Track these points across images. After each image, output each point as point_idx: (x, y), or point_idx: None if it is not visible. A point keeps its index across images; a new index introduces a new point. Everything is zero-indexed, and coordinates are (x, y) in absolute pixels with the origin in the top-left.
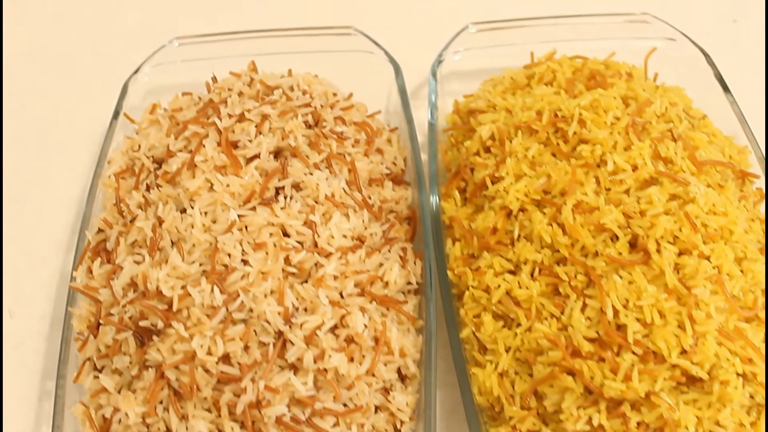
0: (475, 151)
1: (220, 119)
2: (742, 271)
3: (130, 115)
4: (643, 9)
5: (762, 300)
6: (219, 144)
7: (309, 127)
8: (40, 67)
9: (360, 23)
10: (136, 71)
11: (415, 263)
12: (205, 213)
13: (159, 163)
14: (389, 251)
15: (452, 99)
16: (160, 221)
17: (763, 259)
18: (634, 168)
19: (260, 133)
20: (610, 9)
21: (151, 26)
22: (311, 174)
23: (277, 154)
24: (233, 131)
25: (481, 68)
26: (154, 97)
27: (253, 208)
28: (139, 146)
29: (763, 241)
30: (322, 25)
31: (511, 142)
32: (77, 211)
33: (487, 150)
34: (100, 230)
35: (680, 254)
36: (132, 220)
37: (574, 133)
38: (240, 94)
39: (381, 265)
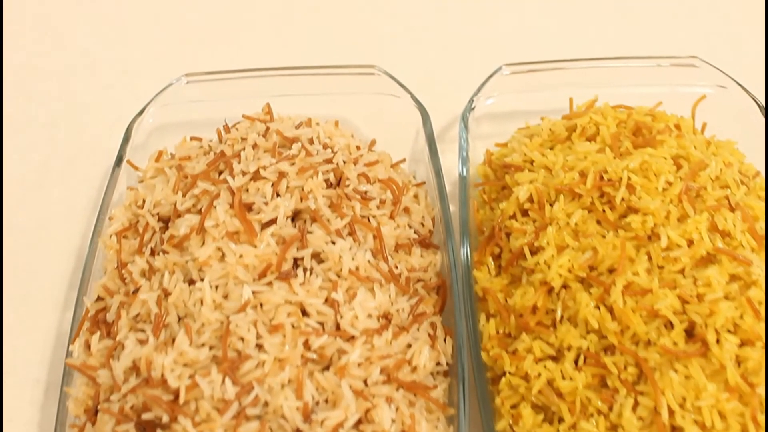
0: (512, 214)
1: (233, 177)
2: None
3: (135, 156)
4: (690, 51)
5: None
6: (231, 206)
7: (330, 185)
8: (38, 106)
9: (384, 61)
10: (141, 112)
11: (445, 341)
12: (216, 287)
13: (165, 221)
14: (418, 330)
15: (482, 144)
16: (166, 293)
17: None
18: (690, 243)
19: (277, 194)
20: (654, 50)
21: (158, 61)
22: (333, 243)
23: (295, 216)
24: (247, 190)
25: (515, 111)
26: (160, 139)
27: (269, 284)
28: (144, 201)
29: None
30: (342, 63)
31: (551, 206)
32: (76, 263)
33: (525, 213)
34: (99, 298)
35: (742, 345)
36: (135, 291)
37: (622, 199)
38: (254, 146)
39: (409, 346)
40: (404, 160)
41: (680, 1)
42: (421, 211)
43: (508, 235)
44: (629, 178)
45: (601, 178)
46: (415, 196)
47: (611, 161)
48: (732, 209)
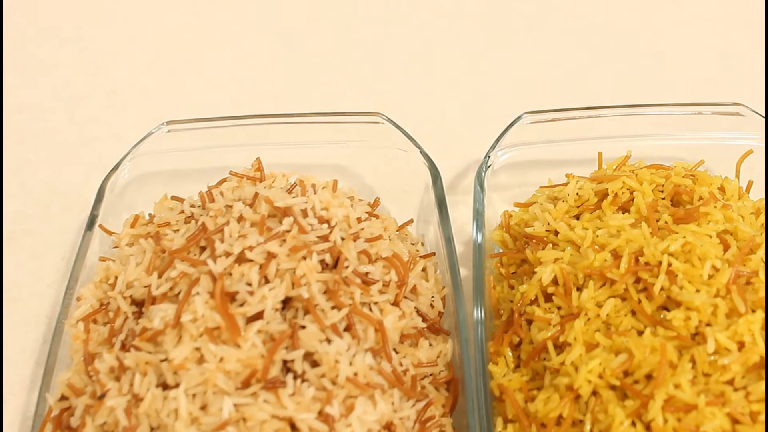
0: (533, 298)
1: (215, 259)
2: None
3: (112, 211)
4: (734, 96)
5: None
6: (212, 295)
7: (326, 267)
8: (7, 159)
9: (391, 106)
10: (116, 167)
11: None
12: (194, 395)
13: (139, 304)
14: None
15: (499, 197)
16: (137, 399)
17: None
18: (740, 346)
19: (265, 279)
20: (694, 97)
21: (137, 106)
22: (329, 341)
23: (285, 303)
24: (230, 274)
25: (537, 160)
26: (137, 197)
27: (254, 394)
28: (116, 278)
29: None
30: (343, 110)
31: (579, 291)
32: (45, 335)
33: (549, 297)
34: (63, 397)
35: None
36: (102, 397)
37: (662, 288)
38: (240, 219)
39: None
40: (411, 221)
41: (722, 41)
42: (430, 289)
43: (529, 322)
44: (670, 264)
45: (637, 260)
46: (424, 270)
47: (649, 240)
48: None
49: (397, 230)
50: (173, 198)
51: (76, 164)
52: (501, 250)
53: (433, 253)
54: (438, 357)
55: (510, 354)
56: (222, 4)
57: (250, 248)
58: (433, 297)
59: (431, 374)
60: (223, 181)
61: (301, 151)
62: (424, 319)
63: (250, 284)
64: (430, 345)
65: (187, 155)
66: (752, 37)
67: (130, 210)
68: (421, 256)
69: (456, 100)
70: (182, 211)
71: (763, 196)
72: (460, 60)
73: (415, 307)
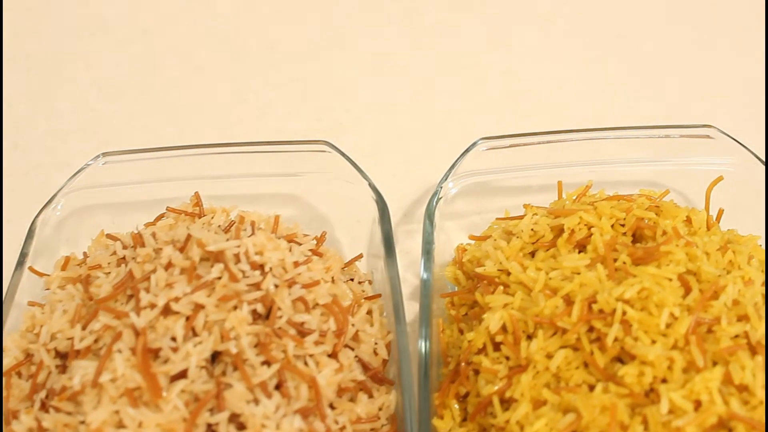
0: (481, 347)
1: (138, 312)
2: None
3: (46, 250)
4: (705, 118)
5: None
6: (134, 352)
7: (258, 317)
8: None
9: (343, 131)
10: (49, 202)
11: None
12: None
13: (64, 356)
14: None
15: (456, 226)
16: None
17: None
18: (697, 405)
19: (193, 332)
20: (661, 119)
21: (73, 137)
22: (256, 402)
23: (214, 358)
24: (153, 327)
25: (496, 187)
26: (79, 230)
27: None
28: (41, 328)
29: None
30: (295, 134)
31: (529, 340)
32: None
33: (498, 346)
34: None
35: None
36: None
37: (616, 339)
38: (168, 265)
39: None
40: (361, 256)
41: (693, 62)
42: (374, 335)
43: (476, 372)
44: (624, 312)
45: (590, 308)
46: (369, 313)
47: (603, 285)
48: (753, 351)
49: (344, 267)
50: (108, 236)
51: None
52: (455, 288)
53: (379, 295)
54: (380, 410)
55: (457, 407)
56: (167, 30)
57: (176, 299)
58: (376, 343)
59: (372, 429)
60: (162, 216)
61: (248, 181)
62: (366, 369)
63: (174, 339)
64: (371, 398)
65: (129, 187)
66: (723, 57)
67: (69, 246)
68: (366, 298)
69: (418, 121)
70: (114, 252)
71: (733, 227)
72: (419, 82)
73: (357, 356)
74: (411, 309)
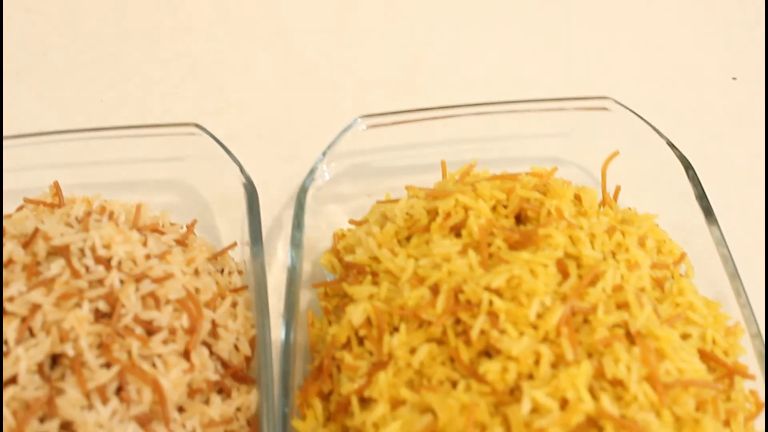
0: (345, 341)
1: None
2: None
3: None
4: (602, 90)
5: None
6: None
7: (103, 316)
8: None
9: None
10: None
11: None
12: None
13: None
14: None
15: (341, 210)
16: None
17: None
18: (563, 404)
19: (31, 334)
20: (555, 91)
21: None
22: (90, 408)
23: (54, 362)
24: None
25: (383, 167)
26: None
27: None
28: None
29: None
30: (161, 121)
31: (392, 334)
32: None
33: (362, 341)
34: None
35: None
36: None
37: (482, 332)
38: (10, 262)
39: None
40: (234, 245)
41: (588, 33)
42: (236, 330)
43: (340, 369)
44: (491, 302)
45: (457, 298)
46: (234, 305)
47: (474, 273)
48: (631, 342)
49: (215, 257)
50: None
51: None
52: (335, 277)
53: (245, 287)
54: (239, 410)
55: (320, 406)
56: (50, 10)
57: (11, 299)
58: (238, 339)
59: (230, 431)
60: (21, 208)
61: (107, 170)
62: (226, 367)
63: (6, 343)
64: (227, 398)
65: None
66: (626, 34)
67: None
68: (231, 291)
69: (310, 100)
70: None
71: (630, 207)
72: (313, 59)
73: (215, 353)
74: None
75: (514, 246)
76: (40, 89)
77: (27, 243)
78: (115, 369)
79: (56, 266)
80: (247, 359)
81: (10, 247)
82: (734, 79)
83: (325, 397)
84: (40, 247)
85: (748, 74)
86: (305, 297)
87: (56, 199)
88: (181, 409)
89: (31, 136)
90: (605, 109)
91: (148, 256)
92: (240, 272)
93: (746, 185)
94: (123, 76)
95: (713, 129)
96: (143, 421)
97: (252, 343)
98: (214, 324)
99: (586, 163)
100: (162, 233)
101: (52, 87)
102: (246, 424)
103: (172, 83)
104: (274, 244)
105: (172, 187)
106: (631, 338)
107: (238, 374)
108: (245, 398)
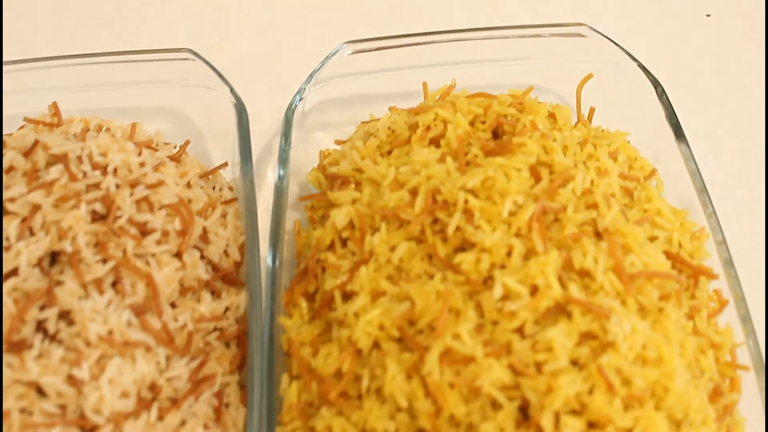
0: (329, 244)
1: None
2: None
3: None
4: (578, 17)
5: None
6: None
7: (99, 218)
8: None
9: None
10: None
11: (237, 409)
12: None
13: None
14: (196, 401)
15: (327, 136)
16: None
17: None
18: (533, 291)
19: (32, 233)
20: (531, 18)
21: None
22: (87, 298)
23: (53, 261)
24: None
25: (367, 94)
26: None
27: None
28: None
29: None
30: (153, 47)
31: (373, 235)
32: None
33: (345, 243)
34: None
35: (590, 428)
36: None
37: (458, 228)
38: (11, 169)
39: (183, 423)
40: (226, 164)
41: None
42: (226, 237)
43: (324, 270)
44: (467, 201)
45: (435, 199)
46: (224, 216)
47: (450, 176)
48: (599, 236)
49: (208, 174)
50: None
51: None
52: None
53: (235, 199)
54: (228, 310)
55: (305, 305)
56: None
57: (12, 200)
58: (228, 245)
59: (218, 329)
60: (22, 128)
61: (105, 94)
62: (216, 270)
63: (8, 239)
64: (218, 298)
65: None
66: None
67: None
68: (222, 202)
69: (298, 34)
70: None
71: (600, 125)
72: None
73: (206, 257)
74: None
75: (489, 154)
76: (38, 21)
77: (27, 153)
78: (110, 264)
79: (55, 171)
80: (237, 264)
81: (11, 155)
82: (708, 16)
83: (311, 297)
84: (40, 157)
85: (722, 12)
86: (293, 217)
87: (55, 119)
88: (173, 305)
89: (29, 62)
90: (580, 35)
91: (142, 164)
92: (231, 188)
93: (717, 112)
94: (117, 14)
95: (686, 61)
96: (137, 311)
97: (241, 249)
98: (205, 230)
99: (563, 90)
100: (156, 150)
101: (42, 15)
102: (235, 322)
103: (166, 20)
104: (264, 169)
105: (166, 113)
106: (599, 235)
107: (228, 277)
108: (234, 299)
